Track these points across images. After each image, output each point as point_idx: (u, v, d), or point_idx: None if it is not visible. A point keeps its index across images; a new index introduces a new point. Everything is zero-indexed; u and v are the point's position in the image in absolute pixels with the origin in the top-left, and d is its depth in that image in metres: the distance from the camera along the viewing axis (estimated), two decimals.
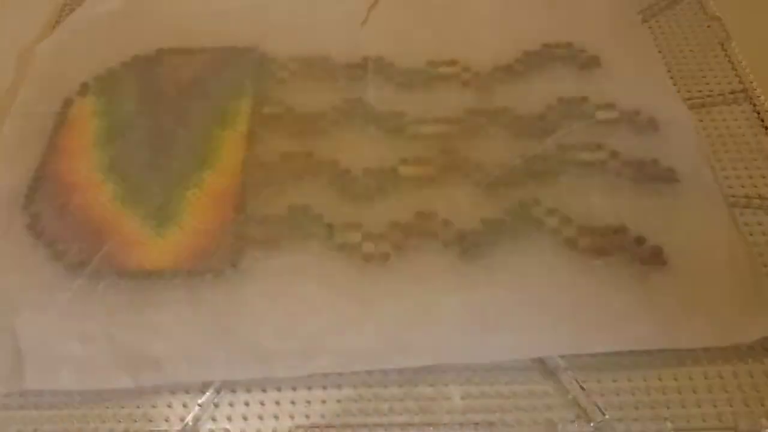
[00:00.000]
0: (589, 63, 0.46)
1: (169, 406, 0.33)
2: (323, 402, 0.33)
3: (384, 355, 0.34)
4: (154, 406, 0.33)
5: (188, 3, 0.51)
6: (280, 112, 0.44)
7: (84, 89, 0.46)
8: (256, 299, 0.36)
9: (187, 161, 0.42)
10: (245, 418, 0.32)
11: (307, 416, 0.32)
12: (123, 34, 0.49)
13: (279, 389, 0.33)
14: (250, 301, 0.36)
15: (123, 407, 0.33)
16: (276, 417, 0.32)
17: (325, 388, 0.33)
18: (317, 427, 0.32)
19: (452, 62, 0.47)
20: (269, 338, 0.34)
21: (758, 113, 0.43)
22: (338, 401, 0.33)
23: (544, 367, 0.33)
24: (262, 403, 0.33)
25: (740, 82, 0.45)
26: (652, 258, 0.36)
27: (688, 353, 0.33)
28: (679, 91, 0.44)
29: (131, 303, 0.36)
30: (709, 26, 0.49)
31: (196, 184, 0.41)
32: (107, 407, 0.33)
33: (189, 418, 0.33)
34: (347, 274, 0.37)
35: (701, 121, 0.43)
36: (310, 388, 0.33)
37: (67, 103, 0.46)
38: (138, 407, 0.33)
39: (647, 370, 0.33)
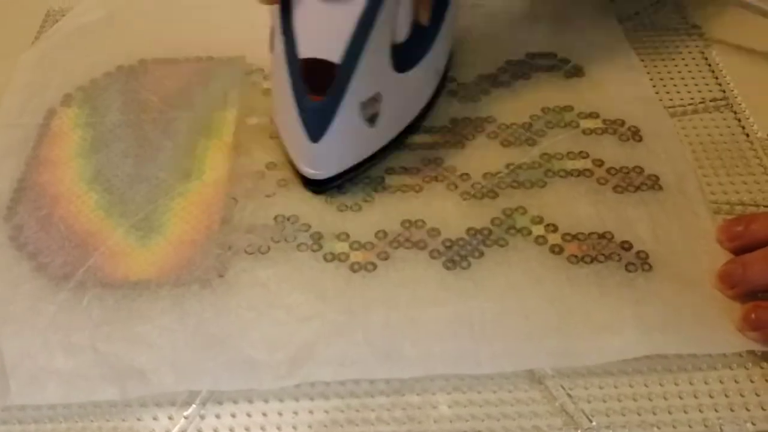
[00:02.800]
0: (573, 73, 0.47)
1: (155, 419, 0.33)
2: (310, 412, 0.33)
3: (372, 364, 0.33)
4: (139, 419, 0.33)
5: (172, 13, 0.51)
6: (266, 122, 0.44)
7: (67, 100, 0.46)
8: (243, 309, 0.36)
9: (172, 172, 0.42)
10: (231, 430, 0.32)
11: (294, 427, 0.32)
12: (106, 45, 0.49)
13: (266, 400, 0.33)
14: (237, 311, 0.36)
15: (108, 420, 0.33)
16: (263, 428, 0.32)
17: (312, 398, 0.33)
18: None
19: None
20: (256, 348, 0.34)
21: (739, 120, 0.44)
22: (325, 411, 0.33)
23: (531, 375, 0.33)
24: (248, 415, 0.33)
25: (721, 90, 0.46)
26: (638, 265, 0.37)
27: (673, 359, 0.34)
28: (661, 100, 0.45)
29: (117, 315, 0.36)
30: (689, 35, 0.49)
31: (182, 195, 0.41)
32: (92, 420, 0.33)
33: (175, 431, 0.32)
34: (335, 283, 0.37)
35: (683, 128, 0.43)
36: (297, 399, 0.33)
37: (51, 114, 0.45)
38: (123, 420, 0.33)
39: (633, 376, 0.33)
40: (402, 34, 0.38)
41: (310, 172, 0.39)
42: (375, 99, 0.38)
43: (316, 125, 0.36)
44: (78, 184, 0.41)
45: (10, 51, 0.49)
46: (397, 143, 0.42)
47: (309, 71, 0.36)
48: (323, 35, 0.36)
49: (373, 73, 0.37)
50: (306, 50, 0.36)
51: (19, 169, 0.42)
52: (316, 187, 0.40)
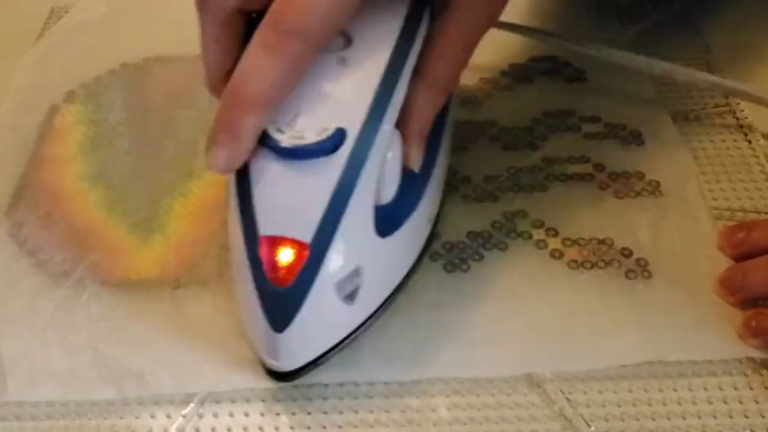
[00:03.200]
0: (575, 77, 0.47)
1: (153, 417, 0.33)
2: (308, 413, 0.33)
3: (370, 366, 0.33)
4: (137, 417, 0.33)
5: (175, 11, 0.51)
6: None
7: (70, 97, 0.46)
8: None
9: (174, 171, 0.42)
10: (229, 429, 0.32)
11: (292, 428, 0.32)
12: (110, 42, 0.49)
13: (263, 400, 0.33)
14: (236, 311, 0.36)
15: (106, 418, 0.33)
16: (260, 428, 0.32)
17: (310, 399, 0.33)
18: None
19: None
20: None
21: (741, 126, 0.44)
22: (324, 413, 0.32)
23: (530, 379, 0.33)
24: (246, 414, 0.33)
25: (724, 95, 0.46)
26: (638, 271, 0.37)
27: (673, 365, 0.34)
28: (664, 105, 0.45)
29: (115, 314, 0.36)
30: (692, 40, 0.49)
31: (183, 194, 0.41)
32: (89, 418, 0.33)
33: (173, 429, 0.32)
34: None
35: (686, 134, 0.43)
36: (295, 400, 0.33)
37: (53, 111, 0.45)
38: (121, 418, 0.33)
39: (633, 381, 0.33)
40: (389, 193, 0.32)
41: (275, 364, 0.31)
42: (354, 275, 0.30)
43: (280, 315, 0.29)
44: (79, 182, 0.41)
45: (14, 47, 0.49)
46: (382, 310, 0.34)
47: (274, 251, 0.29)
48: (289, 210, 0.29)
49: (352, 247, 0.30)
50: (267, 226, 0.29)
51: (21, 166, 0.42)
52: (283, 379, 0.32)
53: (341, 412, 0.33)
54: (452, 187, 0.41)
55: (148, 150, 0.43)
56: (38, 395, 0.33)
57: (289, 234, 0.28)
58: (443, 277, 0.37)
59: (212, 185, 0.41)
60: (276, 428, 0.32)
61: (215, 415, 0.33)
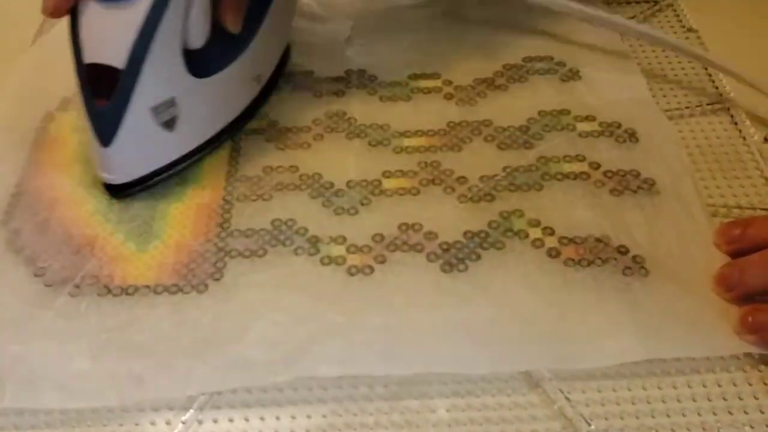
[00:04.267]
0: (570, 76, 0.47)
1: (153, 424, 0.33)
2: (308, 417, 0.33)
3: (369, 364, 0.33)
4: (137, 424, 0.32)
5: None
6: (263, 126, 0.44)
7: (65, 104, 0.46)
8: (241, 313, 0.36)
9: (169, 176, 0.42)
10: None
11: (292, 431, 0.32)
12: None
13: (263, 405, 0.33)
14: (235, 315, 0.36)
15: (105, 425, 0.32)
16: None
17: (310, 402, 0.33)
18: None
19: (434, 75, 0.47)
20: (254, 349, 0.34)
21: (736, 124, 0.44)
22: (323, 416, 0.32)
23: (529, 378, 0.33)
24: (246, 419, 0.33)
25: (718, 93, 0.46)
26: (635, 268, 0.37)
27: (672, 362, 0.34)
28: (658, 103, 0.45)
29: (114, 320, 0.36)
30: (686, 38, 0.49)
31: (179, 199, 0.41)
32: (89, 425, 0.33)
33: None
34: (332, 287, 0.37)
35: (680, 132, 0.44)
36: (295, 403, 0.33)
37: (48, 118, 0.45)
38: (120, 425, 0.32)
39: (632, 379, 0.33)
40: (198, 39, 0.38)
41: (106, 176, 0.39)
42: (169, 104, 0.37)
43: (104, 130, 0.37)
44: (76, 189, 0.41)
45: (8, 53, 0.49)
46: (210, 146, 0.42)
47: (98, 77, 0.36)
48: (106, 41, 0.36)
49: (162, 78, 0.37)
50: (90, 55, 0.36)
51: (17, 174, 0.42)
52: (115, 192, 0.39)
53: (340, 415, 0.33)
54: (448, 187, 0.41)
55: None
56: (37, 402, 0.33)
57: (106, 61, 0.36)
58: (441, 277, 0.37)
59: (207, 190, 0.41)
60: None
61: (215, 421, 0.33)
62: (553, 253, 0.38)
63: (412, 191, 0.41)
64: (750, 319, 0.34)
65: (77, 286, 0.37)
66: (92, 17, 0.36)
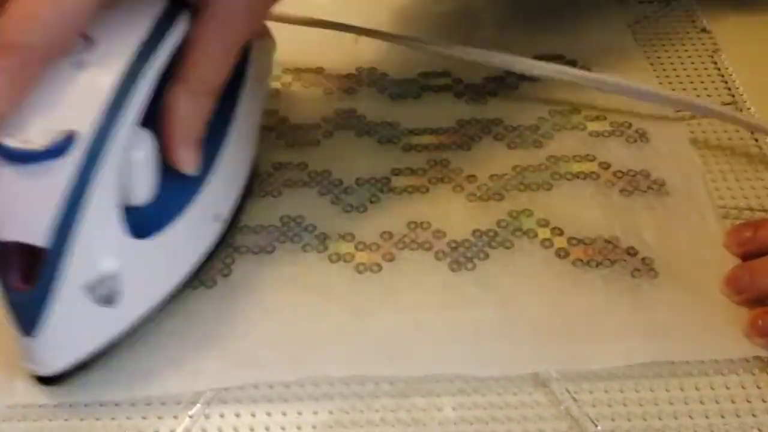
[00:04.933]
0: None
1: (160, 418, 0.33)
2: (315, 413, 0.33)
3: (377, 363, 0.34)
4: (144, 418, 0.33)
5: None
6: (273, 123, 0.44)
7: None
8: (249, 309, 0.36)
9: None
10: (236, 429, 0.32)
11: (299, 427, 0.32)
12: None
13: (270, 400, 0.33)
14: (243, 311, 0.36)
15: (113, 419, 0.33)
16: (267, 428, 0.32)
17: (316, 399, 0.33)
18: None
19: (444, 73, 0.47)
20: (262, 347, 0.34)
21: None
22: (330, 412, 0.33)
23: (536, 378, 0.33)
24: (252, 415, 0.33)
25: (730, 93, 0.45)
26: (644, 270, 0.37)
27: (679, 364, 0.33)
28: (669, 103, 0.45)
29: None
30: (699, 38, 0.49)
31: None
32: (97, 419, 0.33)
33: (180, 430, 0.32)
34: (340, 284, 0.37)
35: (692, 132, 0.43)
36: (301, 400, 0.33)
37: None
38: (128, 418, 0.33)
39: (639, 380, 0.33)
40: (144, 193, 0.31)
41: (33, 368, 0.32)
42: (106, 277, 0.30)
43: (25, 319, 0.30)
44: None
45: None
46: (160, 311, 0.34)
47: (16, 256, 0.29)
48: (21, 214, 0.29)
49: (96, 249, 0.30)
50: (5, 232, 0.29)
51: None
52: (50, 383, 0.33)
53: (347, 412, 0.33)
54: (458, 185, 0.41)
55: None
56: (45, 397, 0.33)
57: (22, 238, 0.29)
58: (448, 276, 0.37)
59: None
60: (282, 428, 0.32)
61: (222, 416, 0.33)
62: (561, 254, 0.37)
63: (421, 189, 0.41)
64: (760, 322, 0.34)
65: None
66: (4, 184, 0.28)
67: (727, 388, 0.33)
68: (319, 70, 0.47)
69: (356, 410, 0.33)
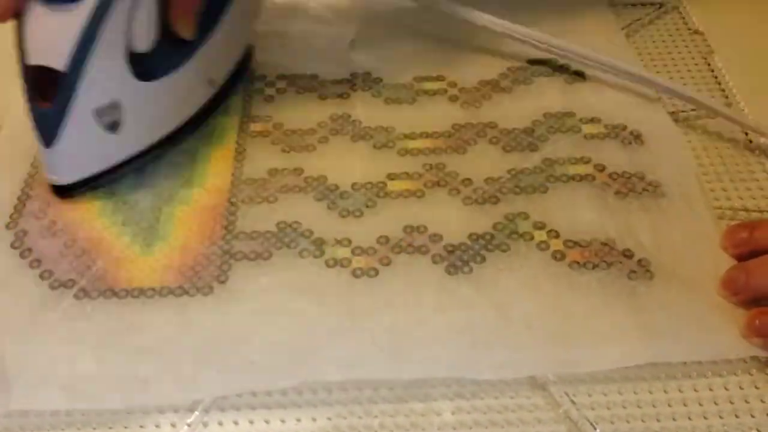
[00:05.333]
0: (575, 78, 0.47)
1: (158, 426, 0.33)
2: (313, 419, 0.33)
3: (375, 367, 0.33)
4: (142, 426, 0.33)
5: None
6: (268, 128, 0.44)
7: None
8: (246, 316, 0.36)
9: (174, 179, 0.42)
10: None
11: None
12: None
13: (268, 408, 0.33)
14: (240, 317, 0.36)
15: (110, 428, 0.33)
16: None
17: (315, 405, 0.33)
18: None
19: (439, 78, 0.47)
20: (259, 353, 0.34)
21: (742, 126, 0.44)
22: (328, 418, 0.32)
23: (533, 381, 0.33)
24: (251, 422, 0.33)
25: (724, 95, 0.46)
26: (640, 272, 0.37)
27: (677, 366, 0.33)
28: (664, 105, 0.45)
29: (120, 323, 0.36)
30: (692, 40, 0.49)
31: (184, 202, 0.41)
32: (94, 428, 0.33)
33: None
34: (337, 289, 0.37)
35: (686, 134, 0.43)
36: (299, 406, 0.33)
37: None
38: (125, 427, 0.32)
39: (637, 383, 0.33)
40: (144, 43, 0.38)
41: (51, 177, 0.40)
42: (112, 107, 0.38)
43: (46, 131, 0.37)
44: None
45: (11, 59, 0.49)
46: (159, 150, 0.42)
47: (41, 79, 0.36)
48: (49, 43, 0.36)
49: (105, 81, 0.37)
50: (32, 57, 0.36)
51: (23, 177, 0.42)
52: (60, 193, 0.40)
53: (345, 418, 0.33)
54: (454, 189, 0.41)
55: (148, 158, 0.43)
56: (42, 404, 0.33)
57: (46, 62, 0.36)
58: (445, 279, 0.37)
59: (212, 192, 0.41)
60: None
61: (220, 423, 0.33)
62: (558, 256, 0.37)
63: (417, 193, 0.41)
64: (757, 322, 0.34)
65: (83, 289, 0.37)
66: (36, 19, 0.36)
67: (726, 388, 0.33)
68: (313, 76, 0.48)
69: (355, 416, 0.33)
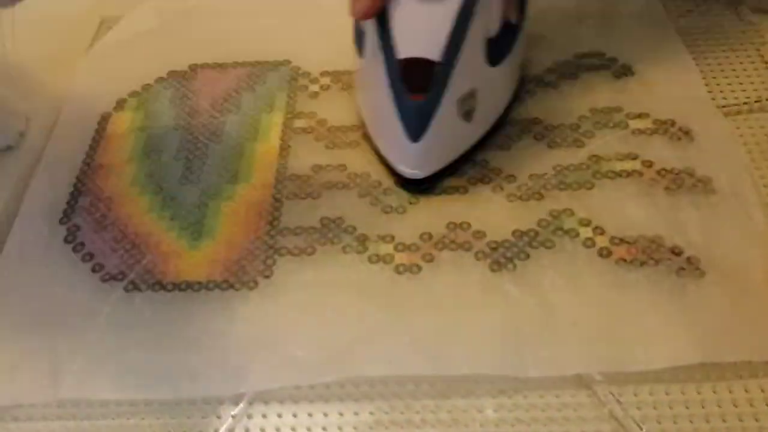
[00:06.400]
0: (623, 72, 0.46)
1: (204, 417, 0.33)
2: (355, 414, 0.33)
3: (417, 363, 0.33)
4: (188, 417, 0.33)
5: (221, 21, 0.52)
6: (312, 125, 0.45)
7: (121, 105, 0.47)
8: (290, 310, 0.36)
9: (220, 175, 0.42)
10: (278, 430, 0.33)
11: (340, 428, 0.32)
12: (158, 52, 0.50)
13: (311, 401, 0.33)
14: (284, 312, 0.36)
15: (158, 418, 0.33)
16: (308, 429, 0.33)
17: (357, 400, 0.33)
18: None
19: None
20: (302, 348, 0.35)
21: None
22: (370, 413, 0.33)
23: (579, 380, 0.33)
24: (294, 415, 0.33)
25: None
26: (689, 269, 0.36)
27: (727, 366, 0.33)
28: (714, 99, 0.44)
29: (168, 316, 0.36)
30: (743, 32, 0.48)
31: (230, 197, 0.41)
32: (142, 418, 0.33)
33: (223, 429, 0.33)
34: (380, 285, 0.37)
35: (738, 128, 0.42)
36: (342, 400, 0.33)
37: (105, 119, 0.47)
38: (172, 418, 0.33)
39: (685, 383, 0.32)
40: (495, 28, 0.39)
41: (410, 171, 0.39)
42: (471, 94, 0.38)
43: (416, 124, 0.37)
44: (131, 188, 0.42)
45: (66, 58, 0.51)
46: (488, 138, 0.42)
47: (411, 71, 0.37)
48: (421, 34, 0.37)
49: (469, 68, 0.37)
50: (405, 50, 0.36)
51: (75, 173, 0.43)
52: (414, 186, 0.40)
53: (387, 413, 0.33)
54: (497, 186, 0.40)
55: (196, 155, 0.44)
56: (92, 394, 0.34)
57: (422, 54, 0.36)
58: (489, 276, 0.37)
59: (258, 188, 0.42)
60: (324, 428, 0.32)
61: (264, 416, 0.33)
62: (604, 253, 0.37)
63: (461, 190, 0.41)
64: None
65: (132, 282, 0.38)
66: (407, 13, 0.36)
67: None
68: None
69: (396, 411, 0.33)
